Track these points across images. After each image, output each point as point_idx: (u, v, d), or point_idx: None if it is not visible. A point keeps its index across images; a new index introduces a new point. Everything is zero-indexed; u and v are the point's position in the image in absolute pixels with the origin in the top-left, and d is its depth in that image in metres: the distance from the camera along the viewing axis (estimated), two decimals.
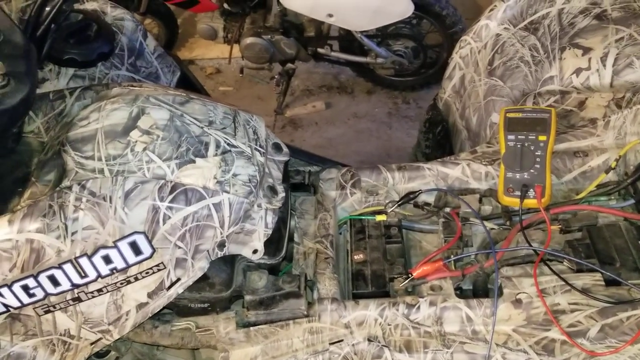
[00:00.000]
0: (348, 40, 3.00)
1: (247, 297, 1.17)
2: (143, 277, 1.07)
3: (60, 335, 1.11)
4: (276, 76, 3.16)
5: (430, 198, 1.37)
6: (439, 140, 1.94)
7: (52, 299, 1.06)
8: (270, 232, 1.14)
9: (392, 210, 1.35)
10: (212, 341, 1.20)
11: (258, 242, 1.13)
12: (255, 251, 1.14)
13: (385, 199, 1.39)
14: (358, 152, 2.88)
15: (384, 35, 2.99)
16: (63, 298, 1.07)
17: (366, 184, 1.41)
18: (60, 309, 1.08)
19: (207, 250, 1.09)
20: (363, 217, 1.36)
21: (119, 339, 1.16)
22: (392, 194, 1.40)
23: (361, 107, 3.23)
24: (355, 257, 1.29)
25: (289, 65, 3.11)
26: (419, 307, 1.16)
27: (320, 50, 3.01)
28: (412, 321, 1.16)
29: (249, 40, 2.97)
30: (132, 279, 1.07)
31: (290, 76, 3.16)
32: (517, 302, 1.15)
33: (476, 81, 1.72)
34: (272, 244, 1.18)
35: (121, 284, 1.07)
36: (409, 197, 1.36)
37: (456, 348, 1.15)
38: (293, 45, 2.97)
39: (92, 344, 1.12)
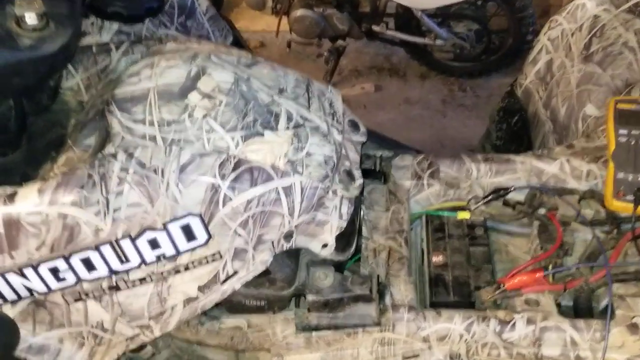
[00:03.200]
0: (406, 18, 2.80)
1: (310, 297, 1.00)
2: (195, 268, 0.90)
3: (92, 327, 0.95)
4: (325, 53, 2.97)
5: (520, 196, 1.18)
6: (515, 131, 1.74)
7: (85, 285, 0.90)
8: (344, 224, 0.96)
9: (477, 208, 1.16)
10: (266, 344, 1.03)
11: (329, 234, 0.96)
12: (325, 245, 0.96)
13: (468, 194, 1.20)
14: (409, 140, 2.65)
15: (445, 15, 2.78)
16: (98, 285, 0.90)
17: (446, 174, 1.22)
18: (94, 297, 0.91)
19: (272, 241, 0.91)
20: (443, 213, 1.17)
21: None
22: (475, 188, 1.21)
23: (414, 92, 3.02)
24: (434, 259, 1.10)
25: (340, 42, 2.91)
26: (514, 325, 0.98)
27: (374, 27, 2.81)
28: (504, 340, 0.98)
29: (299, 12, 2.78)
30: (181, 269, 0.90)
31: (340, 54, 2.97)
32: (633, 327, 0.96)
33: (567, 67, 1.52)
34: (342, 237, 1.00)
35: (168, 273, 0.90)
36: (498, 194, 1.17)
37: None
38: (346, 21, 2.78)
39: (128, 339, 0.96)
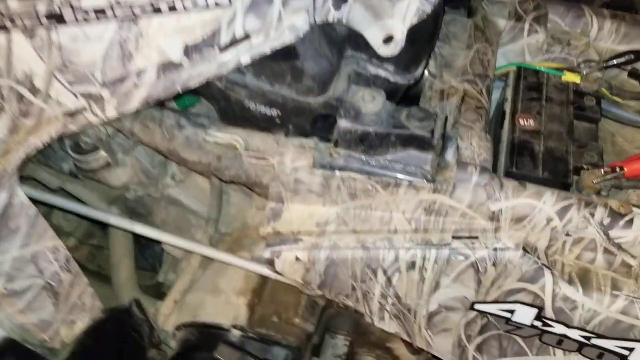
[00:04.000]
0: None
1: (343, 124, 0.68)
2: (185, 11, 0.57)
3: (16, 82, 0.62)
4: None
5: None
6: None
7: (13, 2, 0.57)
8: (429, 10, 0.62)
9: (591, 73, 0.83)
10: (265, 178, 0.72)
11: (401, 21, 0.62)
12: (389, 40, 0.63)
13: (580, 56, 0.87)
14: None
15: None
16: (31, 7, 0.57)
17: (555, 25, 0.89)
18: (24, 29, 0.59)
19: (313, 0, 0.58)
20: (543, 70, 0.84)
21: (115, 121, 0.68)
22: (591, 51, 0.87)
23: None
24: (523, 122, 0.78)
25: None
26: (631, 222, 0.66)
27: None
28: (610, 240, 0.66)
29: None
30: (164, 7, 0.57)
31: None
32: None
33: None
34: (413, 45, 0.67)
35: (142, 11, 0.57)
36: (627, 59, 0.83)
37: None
38: None
39: (68, 115, 0.64)
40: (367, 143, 0.68)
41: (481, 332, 0.75)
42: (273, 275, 0.76)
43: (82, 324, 0.81)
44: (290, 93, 0.66)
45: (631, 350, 0.69)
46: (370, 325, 0.92)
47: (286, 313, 0.97)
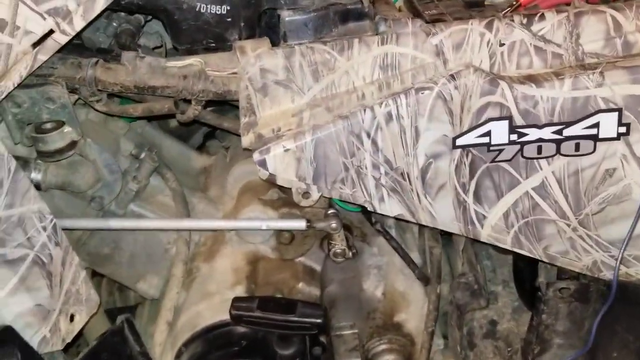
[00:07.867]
0: None
1: (286, 14, 0.77)
2: None
3: None
4: None
5: None
6: None
7: None
8: None
9: None
10: (232, 84, 0.77)
11: None
12: None
13: None
14: None
15: None
16: None
17: None
18: None
19: None
20: None
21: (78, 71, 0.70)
22: None
23: None
24: None
25: None
26: (542, 15, 0.78)
27: None
28: (535, 35, 0.77)
29: None
30: None
31: None
32: None
33: None
34: None
35: None
36: None
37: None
38: None
39: (36, 44, 0.67)
40: (312, 26, 0.77)
41: (471, 173, 0.79)
42: (266, 175, 0.76)
43: (80, 318, 0.73)
44: None
45: (597, 125, 0.77)
46: (372, 304, 0.91)
47: (287, 286, 0.93)
